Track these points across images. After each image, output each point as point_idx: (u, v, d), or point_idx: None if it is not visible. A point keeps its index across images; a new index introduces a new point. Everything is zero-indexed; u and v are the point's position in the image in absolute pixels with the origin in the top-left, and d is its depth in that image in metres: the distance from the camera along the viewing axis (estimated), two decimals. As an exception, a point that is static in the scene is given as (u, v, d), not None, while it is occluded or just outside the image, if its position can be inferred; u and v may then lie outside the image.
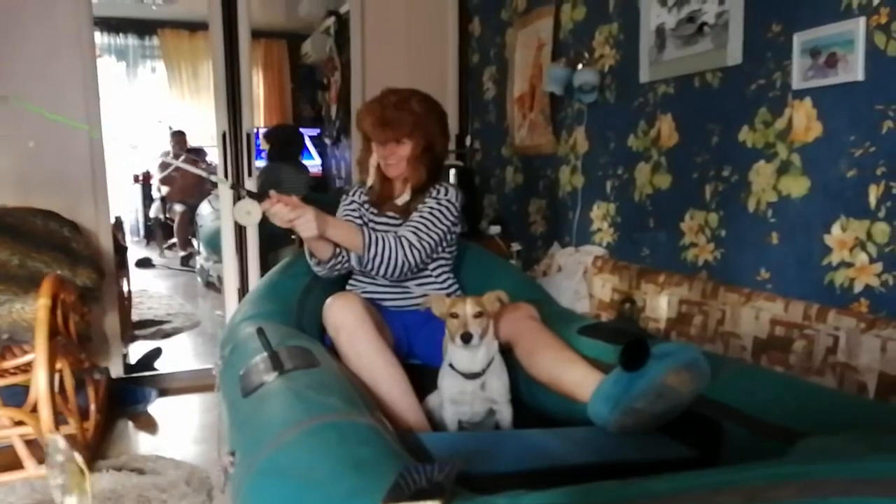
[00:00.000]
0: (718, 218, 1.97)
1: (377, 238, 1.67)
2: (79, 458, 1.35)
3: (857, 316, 1.54)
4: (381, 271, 1.70)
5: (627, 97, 2.33)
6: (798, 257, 1.72)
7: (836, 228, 1.62)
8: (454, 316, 1.43)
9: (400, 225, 1.84)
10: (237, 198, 1.45)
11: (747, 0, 1.81)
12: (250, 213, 1.49)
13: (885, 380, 1.43)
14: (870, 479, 0.57)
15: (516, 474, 1.07)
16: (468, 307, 1.42)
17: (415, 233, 1.74)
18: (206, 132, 5.65)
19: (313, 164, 5.62)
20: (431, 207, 1.81)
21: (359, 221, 1.86)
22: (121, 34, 6.17)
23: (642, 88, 2.24)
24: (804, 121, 1.68)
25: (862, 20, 1.51)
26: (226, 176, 3.03)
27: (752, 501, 0.57)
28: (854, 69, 1.52)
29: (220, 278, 3.61)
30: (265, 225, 3.31)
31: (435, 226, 1.78)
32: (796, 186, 1.72)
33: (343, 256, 1.75)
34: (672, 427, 1.29)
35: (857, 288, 1.57)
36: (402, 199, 1.85)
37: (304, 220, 1.54)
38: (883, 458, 0.60)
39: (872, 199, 1.53)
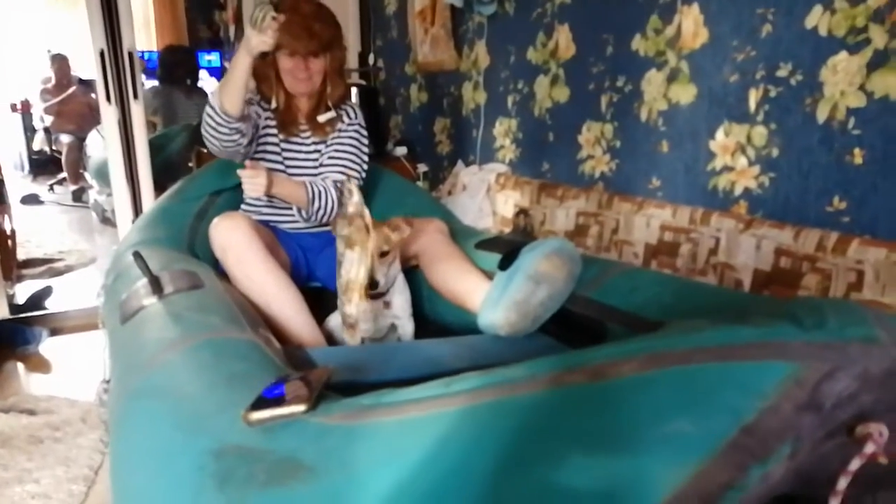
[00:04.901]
0: (613, 129, 1.99)
1: (319, 191, 1.64)
2: (367, 214, 1.29)
3: (737, 217, 1.61)
4: (323, 220, 1.70)
5: (526, 8, 2.27)
6: (686, 164, 1.77)
7: (720, 134, 1.66)
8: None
9: (312, 150, 1.76)
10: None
11: None
12: (265, 17, 1.40)
13: (759, 275, 1.52)
14: (705, 347, 0.60)
15: (403, 382, 1.07)
16: (370, 245, 1.33)
17: (344, 173, 1.71)
18: (91, 57, 5.17)
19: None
20: (350, 137, 1.76)
21: (268, 150, 1.75)
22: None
23: (540, -2, 2.20)
24: (692, 27, 1.69)
25: (745, -80, 1.51)
26: (108, 99, 2.82)
27: (598, 378, 0.59)
28: (737, -28, 1.53)
29: (114, 212, 3.40)
30: (160, 154, 3.12)
31: (358, 157, 1.76)
32: (685, 94, 1.74)
33: (244, 127, 1.60)
34: (558, 330, 1.33)
35: (738, 191, 1.64)
36: (326, 115, 1.75)
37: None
38: (717, 329, 0.62)
39: (752, 104, 1.57)
